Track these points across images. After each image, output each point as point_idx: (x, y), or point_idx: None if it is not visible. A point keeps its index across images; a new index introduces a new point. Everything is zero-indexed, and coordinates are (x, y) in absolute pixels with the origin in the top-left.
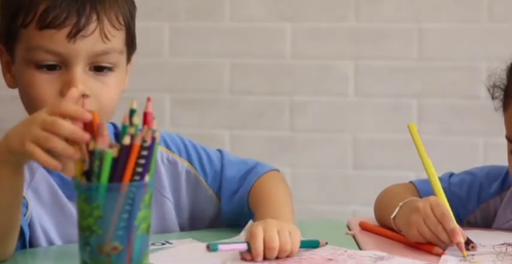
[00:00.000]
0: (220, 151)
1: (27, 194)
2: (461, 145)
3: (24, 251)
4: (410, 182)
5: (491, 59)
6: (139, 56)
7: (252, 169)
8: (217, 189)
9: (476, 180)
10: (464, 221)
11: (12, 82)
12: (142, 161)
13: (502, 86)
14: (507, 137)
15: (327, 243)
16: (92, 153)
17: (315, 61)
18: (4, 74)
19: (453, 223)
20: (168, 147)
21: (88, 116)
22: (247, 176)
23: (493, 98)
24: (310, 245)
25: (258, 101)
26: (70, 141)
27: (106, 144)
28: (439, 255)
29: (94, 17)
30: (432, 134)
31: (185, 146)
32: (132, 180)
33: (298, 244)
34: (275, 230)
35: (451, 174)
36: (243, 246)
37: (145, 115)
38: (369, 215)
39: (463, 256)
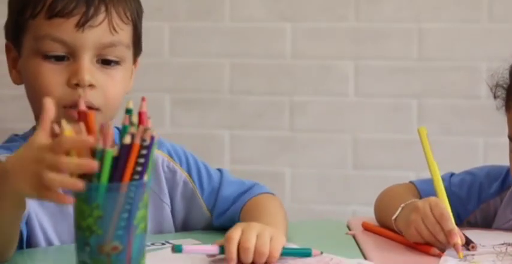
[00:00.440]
0: (220, 170)
1: None
2: (461, 145)
3: (22, 251)
4: (411, 182)
5: (491, 59)
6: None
7: (248, 190)
8: (211, 207)
9: (476, 180)
10: (464, 221)
11: (17, 78)
12: (141, 160)
13: (504, 85)
14: (509, 136)
15: (322, 252)
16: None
17: (315, 61)
18: (10, 70)
19: (451, 224)
20: (170, 155)
21: (90, 141)
22: (242, 195)
23: (495, 97)
24: (302, 254)
25: (258, 101)
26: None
27: (109, 144)
28: (437, 256)
29: (103, 8)
30: (432, 134)
31: (187, 158)
32: (131, 179)
33: (278, 249)
34: (254, 232)
35: (452, 174)
36: (214, 249)
37: (140, 115)
38: (369, 215)
39: (459, 257)
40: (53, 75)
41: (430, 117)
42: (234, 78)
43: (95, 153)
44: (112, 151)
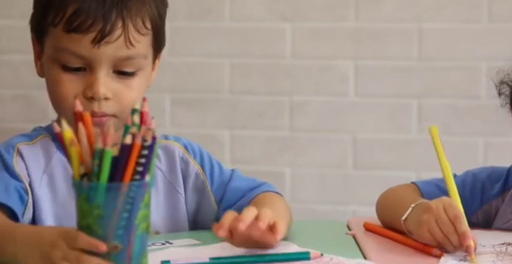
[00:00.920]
0: (233, 169)
1: (43, 179)
2: (461, 145)
3: None
4: (413, 183)
5: (492, 59)
6: None
7: (258, 186)
8: (219, 199)
9: (478, 181)
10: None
11: (41, 71)
12: (142, 161)
13: (509, 83)
14: None
15: (322, 254)
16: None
17: (315, 61)
18: (35, 62)
19: (465, 226)
20: (185, 147)
21: (103, 248)
22: (251, 190)
23: (499, 94)
24: (300, 258)
25: (258, 101)
26: None
27: (109, 144)
28: (438, 257)
29: (119, 24)
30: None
31: (201, 153)
32: (132, 179)
33: (282, 226)
34: (254, 211)
35: (454, 176)
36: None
37: (142, 115)
38: (368, 215)
39: (472, 260)
40: (69, 86)
41: (430, 117)
42: (234, 78)
43: (95, 153)
44: (111, 151)
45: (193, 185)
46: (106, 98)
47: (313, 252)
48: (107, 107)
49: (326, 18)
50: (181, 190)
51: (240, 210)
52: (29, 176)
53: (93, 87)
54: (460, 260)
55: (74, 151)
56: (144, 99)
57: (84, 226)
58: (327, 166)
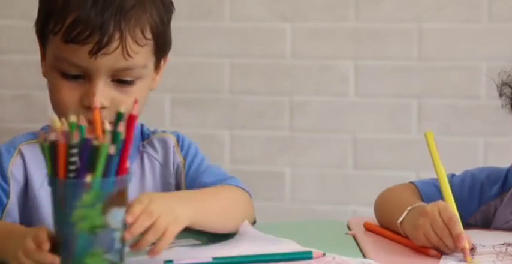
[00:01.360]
0: (213, 165)
1: (39, 175)
2: (461, 145)
3: None
4: (411, 183)
5: (492, 59)
6: None
7: (224, 180)
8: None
9: (477, 181)
10: (464, 223)
11: (46, 73)
12: (72, 159)
13: (511, 84)
14: None
15: (324, 254)
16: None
17: (315, 61)
18: (41, 62)
19: (460, 228)
20: (177, 139)
21: (45, 246)
22: (217, 183)
23: (500, 95)
24: (302, 257)
25: (258, 101)
26: None
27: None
28: (434, 256)
29: (117, 36)
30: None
31: (189, 146)
32: (67, 177)
33: (168, 236)
34: (159, 210)
35: (453, 175)
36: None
37: (129, 118)
38: (369, 215)
39: (467, 261)
40: (69, 93)
41: (430, 117)
42: (234, 78)
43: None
44: (46, 144)
45: (175, 176)
46: (103, 107)
47: (315, 252)
48: (105, 116)
49: (326, 18)
50: (173, 180)
51: None
52: (27, 177)
53: (89, 97)
54: (460, 260)
55: (46, 147)
56: (135, 101)
57: None
58: (327, 166)
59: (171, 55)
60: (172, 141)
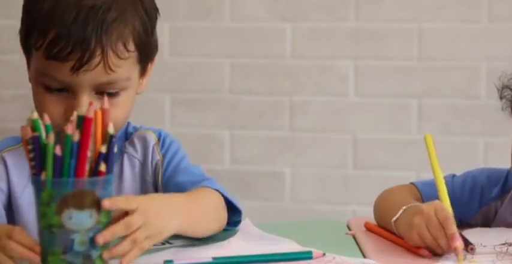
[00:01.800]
0: (190, 165)
1: (27, 186)
2: (461, 145)
3: None
4: (412, 184)
5: (492, 59)
6: None
7: (200, 181)
8: (164, 192)
9: (478, 183)
10: (464, 224)
11: (30, 79)
12: (31, 155)
13: (511, 87)
14: None
15: (324, 254)
16: None
17: (315, 61)
18: (27, 68)
19: (454, 228)
20: (158, 137)
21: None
22: (192, 185)
23: (501, 98)
24: (302, 257)
25: (258, 101)
26: None
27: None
28: (425, 257)
29: (98, 51)
30: (432, 134)
31: (169, 144)
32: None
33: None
34: (142, 219)
35: (453, 176)
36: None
37: (84, 119)
38: (369, 215)
39: (458, 261)
40: (53, 106)
41: (430, 117)
42: (234, 78)
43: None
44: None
45: (152, 174)
46: None
47: (315, 252)
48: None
49: (326, 18)
50: (150, 178)
51: None
52: (9, 185)
53: (73, 110)
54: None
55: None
56: (90, 103)
57: None
58: (327, 166)
59: (171, 55)
60: (153, 139)
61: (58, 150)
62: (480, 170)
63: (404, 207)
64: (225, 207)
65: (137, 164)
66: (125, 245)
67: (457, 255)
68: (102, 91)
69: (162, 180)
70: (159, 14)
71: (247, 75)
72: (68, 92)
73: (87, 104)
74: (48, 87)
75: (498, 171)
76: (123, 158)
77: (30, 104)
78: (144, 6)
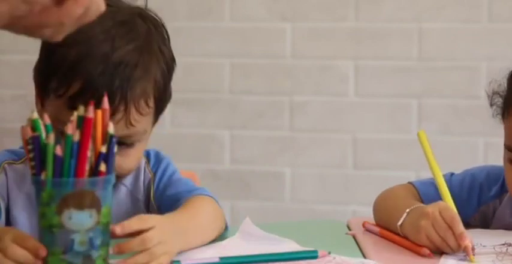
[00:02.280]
0: (177, 177)
1: (19, 198)
2: (461, 145)
3: None
4: (410, 183)
5: (492, 59)
6: None
7: (194, 190)
8: (158, 206)
9: (476, 181)
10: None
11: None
12: (31, 155)
13: (501, 93)
14: (505, 145)
15: (329, 252)
16: None
17: (315, 61)
18: (36, 98)
19: (462, 227)
20: (148, 158)
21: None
22: (187, 193)
23: (491, 104)
24: (308, 256)
25: (258, 101)
26: None
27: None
28: (427, 256)
29: (122, 107)
30: (432, 134)
31: (160, 161)
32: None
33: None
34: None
35: (452, 174)
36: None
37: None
38: (369, 215)
39: (470, 260)
40: None
41: (430, 117)
42: (234, 78)
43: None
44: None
45: (144, 192)
46: None
47: (320, 251)
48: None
49: (326, 18)
50: (141, 196)
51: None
52: (8, 196)
53: None
54: (460, 259)
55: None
56: (90, 103)
57: None
58: (327, 166)
59: None
60: (142, 161)
61: (58, 150)
62: (480, 168)
63: (407, 210)
64: (222, 212)
65: (124, 189)
66: (141, 257)
67: (467, 254)
68: (119, 142)
69: (154, 196)
70: (175, 64)
71: (247, 75)
72: None
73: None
74: (63, 132)
75: (498, 169)
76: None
77: (30, 104)
78: (165, 60)
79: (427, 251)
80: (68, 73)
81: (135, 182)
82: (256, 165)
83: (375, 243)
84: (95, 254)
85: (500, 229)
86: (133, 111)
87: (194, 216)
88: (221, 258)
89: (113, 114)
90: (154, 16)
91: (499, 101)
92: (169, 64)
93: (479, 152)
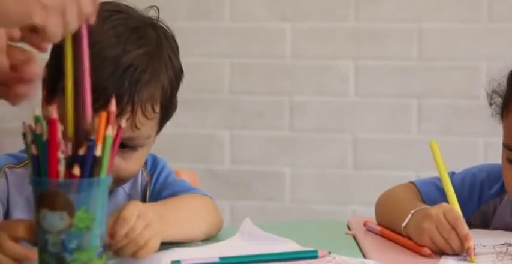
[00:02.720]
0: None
1: (19, 203)
2: (461, 145)
3: None
4: (411, 183)
5: (492, 59)
6: None
7: (189, 190)
8: None
9: (477, 180)
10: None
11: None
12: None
13: (500, 92)
14: (504, 144)
15: (329, 252)
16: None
17: (315, 61)
18: (42, 104)
19: (467, 228)
20: (145, 162)
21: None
22: (178, 193)
23: (490, 104)
24: (308, 255)
25: (258, 101)
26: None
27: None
28: (428, 256)
29: (129, 108)
30: (432, 134)
31: (156, 165)
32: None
33: (153, 240)
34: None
35: (453, 173)
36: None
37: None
38: (369, 215)
39: (471, 261)
40: None
41: (430, 117)
42: (234, 78)
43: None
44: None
45: (141, 192)
46: None
47: (321, 251)
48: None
49: (326, 18)
50: (138, 199)
51: None
52: (8, 200)
53: None
54: (460, 259)
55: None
56: (53, 103)
57: None
58: (327, 166)
59: None
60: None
61: (34, 150)
62: (480, 166)
63: (412, 212)
64: (216, 209)
65: (122, 193)
66: (131, 245)
67: (469, 255)
68: (122, 144)
69: (150, 197)
70: (183, 74)
71: (247, 75)
72: None
73: None
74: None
75: (499, 168)
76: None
77: (30, 104)
78: (174, 68)
79: (428, 251)
80: None
81: (133, 185)
82: (256, 165)
83: (375, 243)
84: (69, 257)
85: (500, 228)
86: (139, 114)
87: (177, 208)
88: (221, 258)
89: (119, 114)
90: (166, 28)
91: (498, 100)
92: (178, 74)
93: (479, 152)
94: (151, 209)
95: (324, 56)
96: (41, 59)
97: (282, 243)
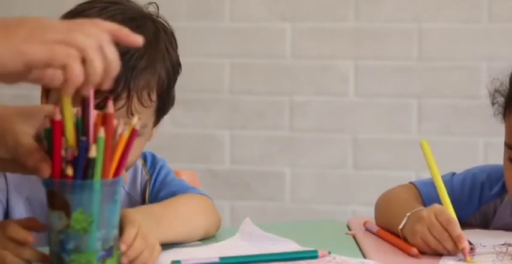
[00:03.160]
0: (172, 179)
1: (19, 204)
2: (461, 145)
3: None
4: (411, 183)
5: (492, 59)
6: None
7: (185, 190)
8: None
9: (477, 181)
10: (463, 223)
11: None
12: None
13: (503, 92)
14: (506, 143)
15: (329, 252)
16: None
17: (315, 61)
18: (42, 97)
19: (459, 229)
20: (145, 160)
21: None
22: (176, 193)
23: (492, 103)
24: (308, 255)
25: (258, 101)
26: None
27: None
28: (415, 256)
29: (124, 94)
30: (432, 134)
31: (155, 164)
32: None
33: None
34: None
35: (453, 174)
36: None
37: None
38: (368, 215)
39: (467, 261)
40: None
41: (430, 117)
42: (234, 78)
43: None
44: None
45: (141, 192)
46: None
47: (321, 251)
48: None
49: (326, 18)
50: (138, 197)
51: None
52: (8, 200)
53: None
54: (460, 259)
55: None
56: (56, 104)
57: None
58: (327, 166)
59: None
60: (139, 163)
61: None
62: (481, 167)
63: (408, 214)
64: (214, 209)
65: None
66: (146, 253)
67: (464, 255)
68: None
69: (149, 197)
70: (181, 69)
71: (247, 75)
72: None
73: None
74: None
75: (499, 168)
76: None
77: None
78: (171, 60)
79: (415, 251)
80: None
81: (133, 184)
82: (256, 165)
83: (375, 243)
84: (67, 257)
85: (500, 228)
86: (135, 100)
87: (175, 209)
88: (221, 258)
89: (115, 100)
90: (165, 23)
91: (500, 99)
92: (175, 66)
93: (479, 152)
94: (142, 216)
95: (324, 56)
96: None
97: (282, 243)
